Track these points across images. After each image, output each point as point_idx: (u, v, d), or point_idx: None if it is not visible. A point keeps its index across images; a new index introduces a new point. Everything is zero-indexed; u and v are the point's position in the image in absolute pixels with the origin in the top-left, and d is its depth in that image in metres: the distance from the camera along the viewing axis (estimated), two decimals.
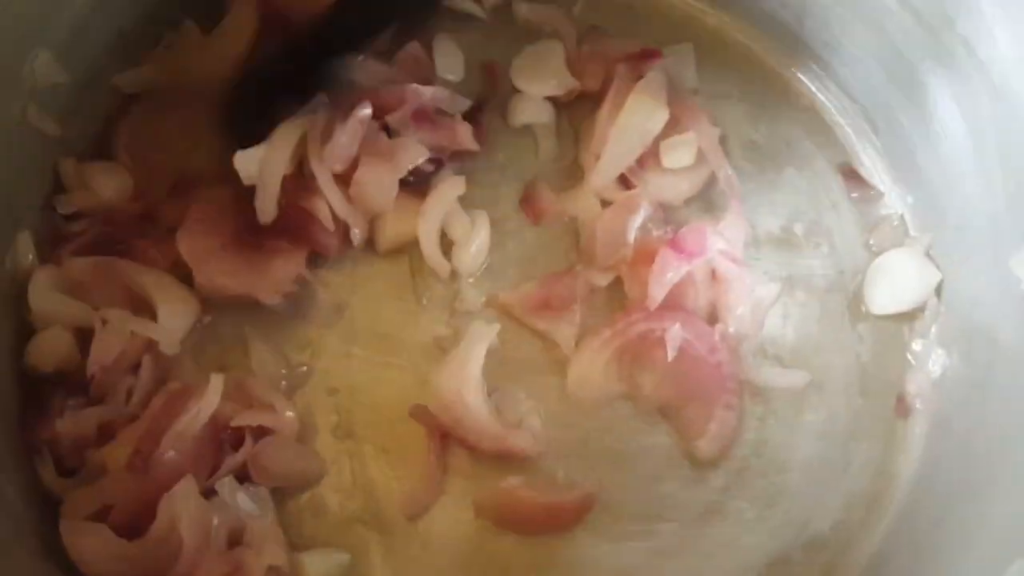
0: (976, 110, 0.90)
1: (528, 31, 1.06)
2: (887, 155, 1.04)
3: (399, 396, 0.94)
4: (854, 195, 1.04)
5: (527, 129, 1.04)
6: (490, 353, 0.93)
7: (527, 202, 1.02)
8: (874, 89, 1.02)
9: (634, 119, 0.97)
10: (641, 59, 1.01)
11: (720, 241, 0.96)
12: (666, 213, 1.00)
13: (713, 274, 0.97)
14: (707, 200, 1.02)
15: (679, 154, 0.99)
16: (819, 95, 1.07)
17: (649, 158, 0.99)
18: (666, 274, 0.93)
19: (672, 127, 0.98)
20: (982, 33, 0.86)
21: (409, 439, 0.92)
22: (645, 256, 0.96)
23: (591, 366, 0.95)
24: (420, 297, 0.99)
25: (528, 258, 1.00)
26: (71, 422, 0.87)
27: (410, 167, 0.94)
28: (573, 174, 1.02)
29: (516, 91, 1.04)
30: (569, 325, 0.96)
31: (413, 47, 1.02)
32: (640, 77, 0.99)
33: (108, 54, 0.97)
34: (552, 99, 1.04)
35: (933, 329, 0.98)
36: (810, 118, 1.07)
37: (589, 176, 1.00)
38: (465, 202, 0.99)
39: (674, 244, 0.95)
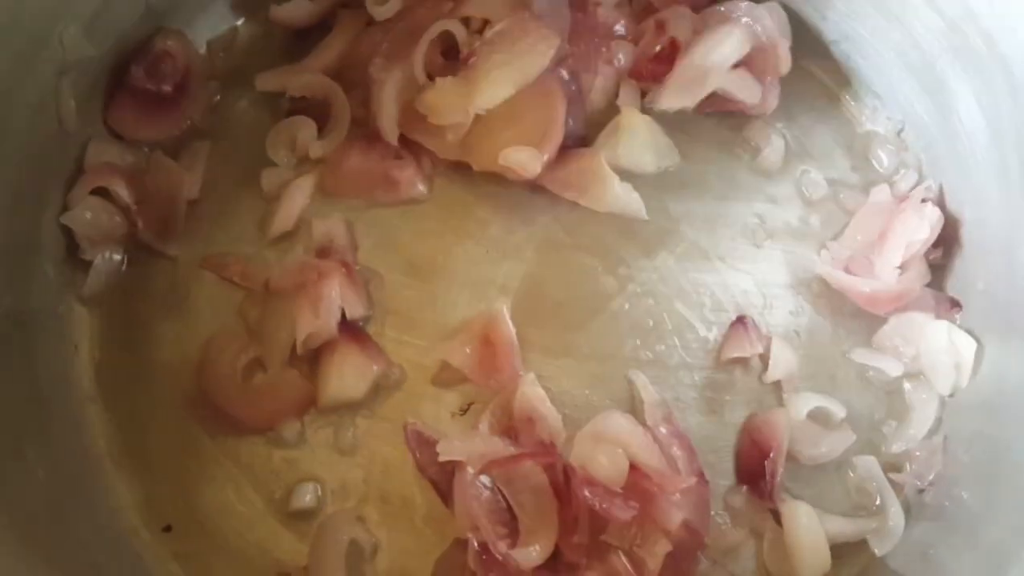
0: (996, 105, 0.91)
1: None
2: (906, 149, 1.04)
3: None
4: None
5: None
6: None
7: None
8: (894, 84, 1.03)
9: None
10: None
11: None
12: None
13: None
14: None
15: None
16: (838, 89, 1.07)
17: None
18: None
19: None
20: (1004, 28, 0.87)
21: None
22: None
23: None
24: None
25: None
26: None
27: None
28: None
29: None
30: None
31: None
32: None
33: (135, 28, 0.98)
34: None
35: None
36: (829, 112, 1.07)
37: None
38: None
39: None
